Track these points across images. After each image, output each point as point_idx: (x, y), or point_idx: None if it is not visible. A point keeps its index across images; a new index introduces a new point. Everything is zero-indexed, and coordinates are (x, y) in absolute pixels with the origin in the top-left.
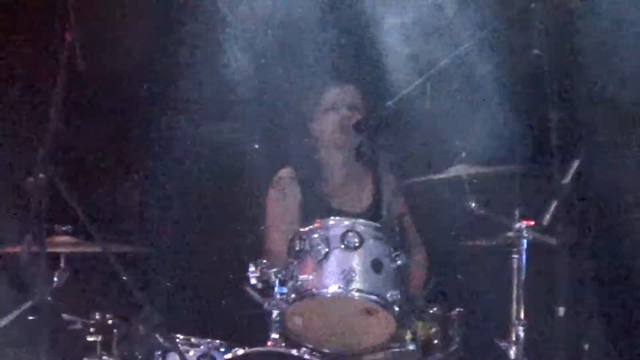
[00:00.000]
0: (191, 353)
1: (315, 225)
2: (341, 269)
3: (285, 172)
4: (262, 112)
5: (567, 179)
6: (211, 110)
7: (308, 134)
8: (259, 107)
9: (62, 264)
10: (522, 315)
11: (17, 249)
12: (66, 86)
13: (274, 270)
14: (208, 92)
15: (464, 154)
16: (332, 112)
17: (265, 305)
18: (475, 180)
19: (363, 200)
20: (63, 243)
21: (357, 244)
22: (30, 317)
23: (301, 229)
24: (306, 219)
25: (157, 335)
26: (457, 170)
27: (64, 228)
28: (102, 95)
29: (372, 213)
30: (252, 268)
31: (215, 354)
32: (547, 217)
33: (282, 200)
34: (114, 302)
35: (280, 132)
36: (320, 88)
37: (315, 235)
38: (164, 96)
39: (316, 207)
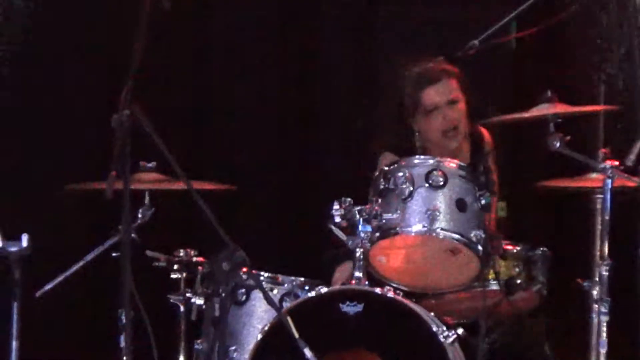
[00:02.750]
0: (275, 291)
1: (400, 163)
2: (425, 207)
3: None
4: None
5: None
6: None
7: (407, 128)
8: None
9: (146, 201)
10: (605, 255)
11: (102, 186)
12: (151, 22)
13: (358, 208)
14: None
15: (549, 93)
16: (435, 113)
17: (349, 243)
18: (559, 120)
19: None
20: (147, 180)
21: (441, 183)
22: (114, 254)
23: (385, 167)
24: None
25: (240, 273)
26: (542, 109)
27: (148, 165)
28: (187, 32)
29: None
30: (336, 206)
31: (299, 292)
32: (632, 157)
33: None
34: (198, 239)
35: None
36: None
37: (400, 174)
38: None
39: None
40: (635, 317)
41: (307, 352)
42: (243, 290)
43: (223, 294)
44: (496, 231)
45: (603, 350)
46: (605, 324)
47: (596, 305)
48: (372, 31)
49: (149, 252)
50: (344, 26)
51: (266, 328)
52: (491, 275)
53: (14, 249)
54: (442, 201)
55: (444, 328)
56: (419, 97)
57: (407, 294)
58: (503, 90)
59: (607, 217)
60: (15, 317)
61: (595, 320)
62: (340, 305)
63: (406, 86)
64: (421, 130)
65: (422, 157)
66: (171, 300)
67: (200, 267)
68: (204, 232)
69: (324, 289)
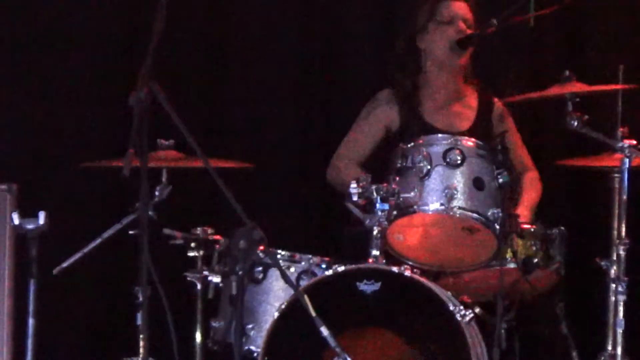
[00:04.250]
0: (292, 269)
1: (418, 142)
2: (443, 186)
3: (383, 94)
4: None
5: None
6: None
7: (414, 48)
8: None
9: (164, 179)
10: (623, 235)
11: (119, 163)
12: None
13: (376, 186)
14: None
15: (567, 72)
16: (448, 25)
17: (367, 221)
18: (577, 99)
19: (466, 119)
20: (165, 157)
21: (459, 161)
22: (132, 232)
23: (403, 146)
24: (409, 139)
25: (258, 251)
26: (560, 88)
27: (166, 142)
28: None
29: (476, 132)
30: (354, 184)
31: (316, 270)
32: None
33: (365, 122)
34: (216, 217)
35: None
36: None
37: (418, 152)
38: None
39: (418, 127)
40: None
41: (324, 330)
42: (260, 268)
43: (240, 272)
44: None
45: (620, 330)
46: (622, 304)
47: (614, 285)
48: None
49: (166, 230)
50: (366, 10)
51: (283, 306)
52: (508, 254)
53: (31, 226)
54: (459, 180)
55: (461, 307)
56: (437, 7)
57: (424, 273)
58: (521, 69)
59: (624, 197)
60: (32, 294)
61: (613, 300)
62: (358, 283)
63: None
64: (428, 47)
65: (439, 135)
66: (188, 278)
67: (217, 245)
68: (221, 210)
69: (341, 268)
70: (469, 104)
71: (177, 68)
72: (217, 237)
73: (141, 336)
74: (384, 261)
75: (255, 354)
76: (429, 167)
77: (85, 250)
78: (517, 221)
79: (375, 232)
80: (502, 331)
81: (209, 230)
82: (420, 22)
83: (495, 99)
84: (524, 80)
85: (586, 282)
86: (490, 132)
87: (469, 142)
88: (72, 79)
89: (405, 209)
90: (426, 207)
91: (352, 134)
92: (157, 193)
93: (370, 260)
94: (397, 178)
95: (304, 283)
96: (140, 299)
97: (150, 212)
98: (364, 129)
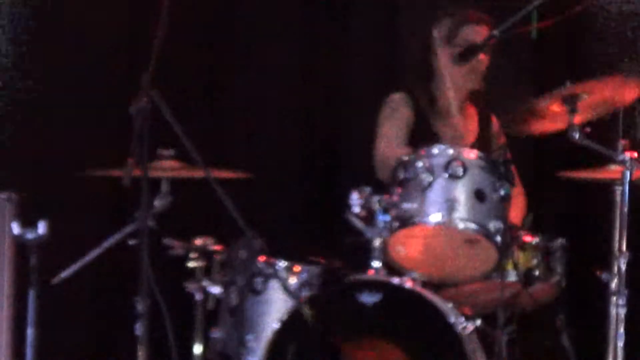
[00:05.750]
0: (292, 280)
1: (420, 153)
2: (444, 197)
3: (398, 97)
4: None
5: None
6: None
7: (427, 62)
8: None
9: (164, 189)
10: (624, 248)
11: (120, 173)
12: (170, 9)
13: (377, 198)
14: None
15: (568, 83)
16: (465, 62)
17: (368, 233)
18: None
19: (471, 132)
20: (166, 167)
21: (461, 173)
22: (132, 242)
23: (404, 158)
24: (415, 146)
25: (258, 262)
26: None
27: (166, 152)
28: (207, 19)
29: (479, 145)
30: (355, 195)
31: (316, 281)
32: None
33: (393, 118)
34: (216, 227)
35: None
36: (455, 24)
37: (420, 164)
38: None
39: (424, 134)
40: None
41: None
42: (260, 279)
43: (240, 283)
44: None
45: (620, 343)
46: (623, 316)
47: (614, 298)
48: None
49: (166, 240)
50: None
51: (283, 317)
52: (509, 266)
53: (31, 235)
54: (461, 191)
55: (462, 319)
56: (458, 32)
57: (425, 284)
58: (523, 81)
59: (625, 209)
60: (31, 304)
61: (613, 313)
62: (358, 295)
63: (443, 19)
64: (439, 63)
65: (441, 146)
66: (188, 289)
67: (217, 256)
68: (221, 220)
69: (342, 279)
70: (472, 118)
71: (178, 78)
72: (218, 247)
73: (140, 346)
74: (385, 272)
75: None
76: (430, 178)
77: (85, 260)
78: (518, 233)
79: (376, 244)
80: (503, 343)
81: (209, 241)
82: (435, 42)
83: (494, 119)
84: (527, 92)
85: (587, 295)
86: (492, 145)
87: (471, 154)
88: (73, 88)
89: (406, 220)
90: (427, 219)
91: (384, 129)
92: (157, 203)
93: (371, 271)
94: (399, 189)
95: (304, 294)
96: (140, 309)
97: (150, 222)
98: (393, 123)
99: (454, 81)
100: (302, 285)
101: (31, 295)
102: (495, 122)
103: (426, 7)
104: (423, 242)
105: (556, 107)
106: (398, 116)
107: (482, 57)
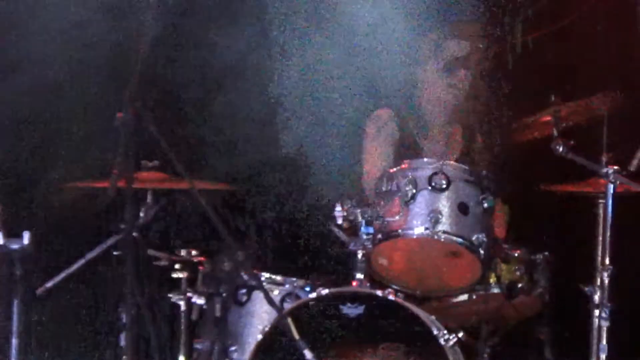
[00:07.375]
0: (276, 292)
1: (403, 166)
2: (428, 210)
3: (384, 112)
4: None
5: None
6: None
7: (411, 79)
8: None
9: (148, 200)
10: (607, 261)
11: (105, 184)
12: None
13: (360, 210)
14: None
15: (552, 97)
16: (448, 75)
17: (351, 245)
18: (563, 124)
19: (456, 147)
20: (150, 179)
21: (444, 186)
22: (116, 253)
23: (389, 170)
24: (399, 160)
25: (242, 273)
26: (545, 113)
27: (151, 164)
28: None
29: (464, 159)
30: (338, 208)
31: (300, 292)
32: (635, 162)
33: (378, 137)
34: (200, 239)
35: (382, 74)
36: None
37: (403, 177)
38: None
39: (409, 148)
40: (636, 322)
41: (307, 353)
42: (244, 290)
43: (224, 294)
44: (507, 236)
45: (603, 355)
46: (605, 329)
47: (597, 311)
48: None
49: (150, 251)
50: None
51: (267, 329)
52: (493, 279)
53: (15, 246)
54: (444, 204)
55: (445, 331)
56: (443, 46)
57: (408, 297)
58: (507, 95)
59: (609, 223)
60: (16, 314)
61: (596, 325)
62: (342, 306)
63: (428, 33)
64: (424, 77)
65: (425, 159)
66: (172, 300)
67: (201, 267)
68: (205, 231)
69: (325, 291)
70: (457, 132)
71: (162, 90)
72: (202, 258)
73: (125, 357)
74: (368, 284)
75: None
76: (414, 191)
77: (70, 270)
78: (501, 246)
79: (359, 256)
80: (486, 355)
81: (194, 252)
82: (420, 55)
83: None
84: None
85: (570, 308)
86: (475, 158)
87: (454, 167)
88: (57, 101)
89: (389, 233)
90: (411, 231)
91: (370, 148)
92: (142, 214)
93: (355, 283)
94: (382, 202)
95: (287, 305)
96: (124, 319)
97: (134, 233)
98: (380, 142)
99: (437, 95)
100: (286, 296)
101: (16, 305)
102: (478, 137)
103: (410, 20)
104: (406, 255)
105: (543, 119)
106: (384, 133)
107: (464, 72)
